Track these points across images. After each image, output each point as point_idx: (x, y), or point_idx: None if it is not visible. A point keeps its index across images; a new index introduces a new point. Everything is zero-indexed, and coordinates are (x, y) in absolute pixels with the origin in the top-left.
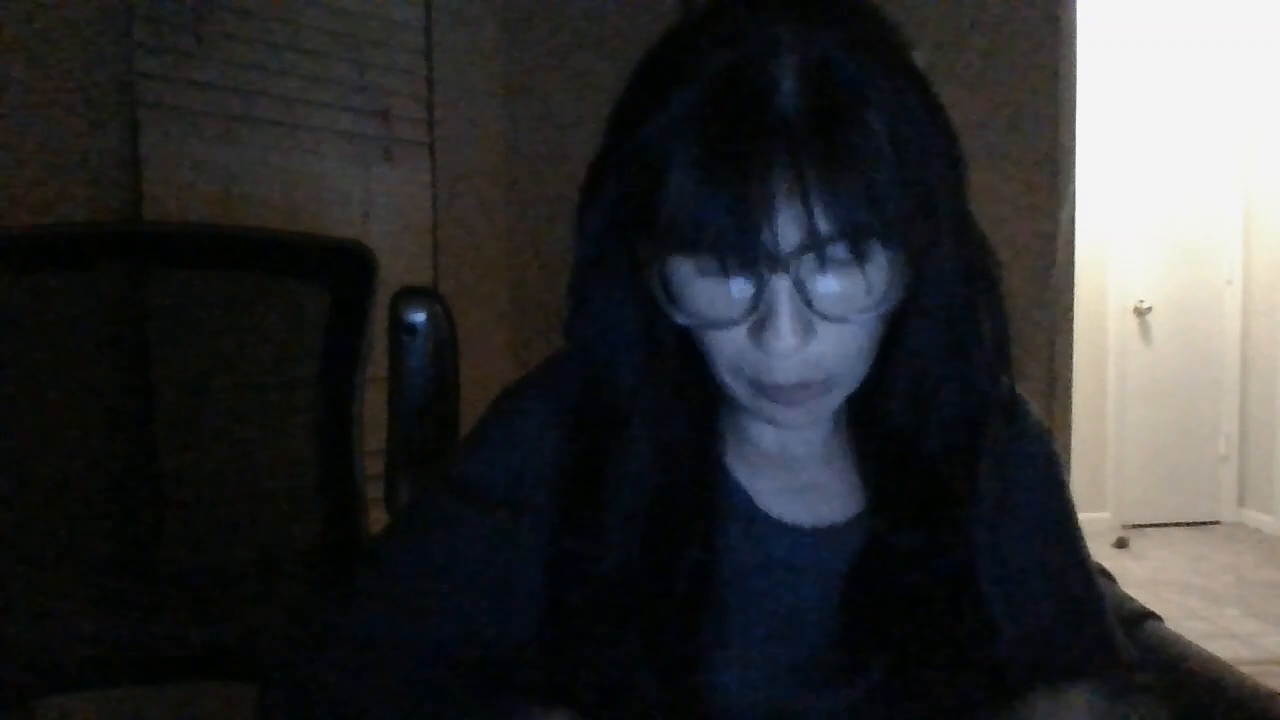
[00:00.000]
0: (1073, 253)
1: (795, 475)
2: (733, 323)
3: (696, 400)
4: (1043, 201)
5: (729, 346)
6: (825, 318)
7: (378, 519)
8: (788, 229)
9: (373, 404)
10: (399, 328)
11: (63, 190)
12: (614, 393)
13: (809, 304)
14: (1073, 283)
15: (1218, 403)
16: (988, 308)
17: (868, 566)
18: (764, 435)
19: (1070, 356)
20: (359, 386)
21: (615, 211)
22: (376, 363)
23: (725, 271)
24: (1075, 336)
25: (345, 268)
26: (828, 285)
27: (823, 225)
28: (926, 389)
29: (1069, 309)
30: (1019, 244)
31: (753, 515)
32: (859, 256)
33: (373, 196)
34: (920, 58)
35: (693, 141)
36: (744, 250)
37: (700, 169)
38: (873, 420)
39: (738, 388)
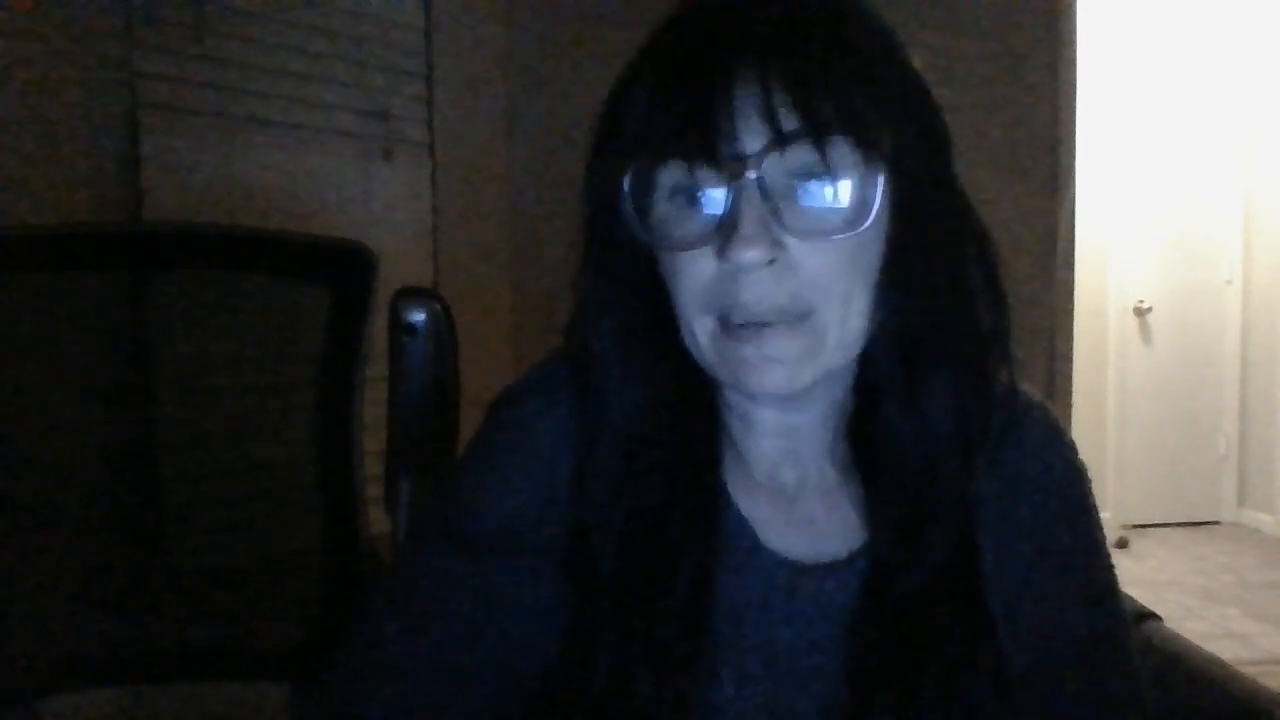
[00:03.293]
0: (1073, 252)
1: (793, 507)
2: (702, 239)
3: (699, 420)
4: (1043, 202)
5: (700, 275)
6: (793, 230)
7: (378, 519)
8: (754, 134)
9: (373, 404)
10: (399, 328)
11: (63, 190)
12: (614, 408)
13: (776, 212)
14: (1073, 283)
15: (1218, 403)
16: (985, 290)
17: (872, 605)
18: (755, 454)
19: (1070, 356)
20: (359, 386)
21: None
22: (376, 363)
23: (694, 178)
24: (1075, 336)
25: (345, 268)
26: (796, 195)
27: (786, 123)
28: (921, 382)
29: (1069, 309)
30: (1019, 244)
31: (753, 546)
32: (825, 160)
33: (373, 196)
34: (916, 60)
35: (662, 53)
36: (710, 150)
37: (667, 73)
38: (870, 428)
39: (704, 333)
